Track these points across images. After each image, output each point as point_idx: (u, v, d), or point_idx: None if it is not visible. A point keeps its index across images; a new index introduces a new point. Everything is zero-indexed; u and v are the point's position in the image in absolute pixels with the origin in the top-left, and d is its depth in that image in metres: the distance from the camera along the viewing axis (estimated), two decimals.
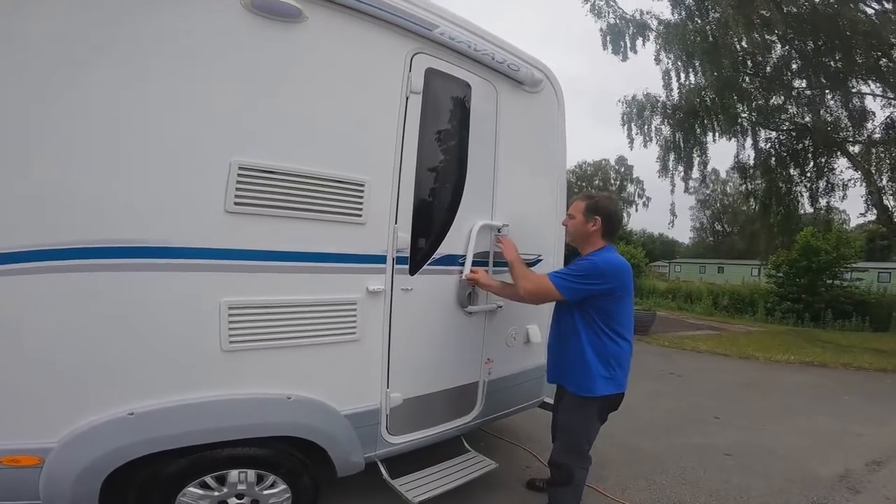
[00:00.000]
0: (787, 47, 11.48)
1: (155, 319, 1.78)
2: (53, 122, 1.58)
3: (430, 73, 2.37)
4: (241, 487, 2.04)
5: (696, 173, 14.26)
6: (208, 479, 1.99)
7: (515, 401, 2.88)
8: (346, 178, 2.11)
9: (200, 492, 1.98)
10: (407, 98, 2.28)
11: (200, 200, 1.80)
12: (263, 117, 1.92)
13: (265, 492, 2.11)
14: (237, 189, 1.84)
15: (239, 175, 1.84)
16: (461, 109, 2.57)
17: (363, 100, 2.17)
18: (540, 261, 2.93)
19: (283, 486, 2.14)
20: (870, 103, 11.64)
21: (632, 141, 14.43)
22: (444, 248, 2.50)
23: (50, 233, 1.59)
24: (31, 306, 1.61)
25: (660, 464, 3.45)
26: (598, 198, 2.34)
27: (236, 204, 1.85)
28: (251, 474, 2.05)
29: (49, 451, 1.68)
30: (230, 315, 1.89)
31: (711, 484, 3.17)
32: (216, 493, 2.01)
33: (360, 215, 2.16)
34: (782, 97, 12.29)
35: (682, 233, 58.60)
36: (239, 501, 2.07)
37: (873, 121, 11.66)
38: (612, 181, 53.95)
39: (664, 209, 19.09)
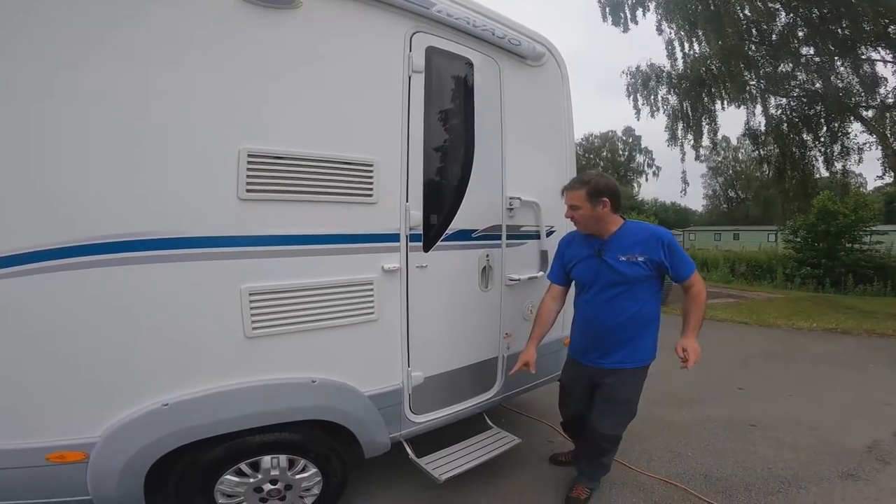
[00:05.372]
0: (791, 15, 11.24)
1: (179, 310, 1.81)
2: (67, 121, 1.60)
3: (431, 52, 2.36)
4: (274, 473, 2.09)
5: (706, 141, 14.20)
6: (243, 466, 2.03)
7: (536, 375, 2.85)
8: (354, 159, 2.12)
9: (237, 479, 2.03)
10: (409, 77, 2.27)
11: (213, 189, 1.82)
12: (267, 104, 1.92)
13: (297, 476, 2.15)
14: (248, 176, 1.86)
15: (249, 162, 1.86)
16: (465, 86, 2.56)
17: (365, 81, 2.17)
18: (554, 231, 2.94)
19: (313, 470, 2.19)
20: (881, 69, 11.38)
21: (638, 112, 14.52)
22: (457, 224, 2.51)
23: (70, 230, 1.61)
24: (63, 304, 1.64)
25: (684, 435, 3.43)
26: (593, 179, 2.24)
27: (248, 191, 1.87)
28: (283, 459, 2.09)
29: (93, 445, 1.73)
30: (251, 301, 1.91)
31: (738, 455, 3.14)
32: (251, 480, 2.06)
33: (371, 195, 2.18)
34: (790, 64, 12.06)
35: (695, 201, 58.38)
36: (273, 487, 2.11)
37: (885, 86, 11.43)
38: (621, 152, 53.78)
39: (675, 178, 19.10)
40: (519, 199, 2.74)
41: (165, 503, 2.00)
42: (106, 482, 1.76)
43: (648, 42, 14.29)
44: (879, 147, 11.95)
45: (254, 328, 1.93)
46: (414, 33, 2.29)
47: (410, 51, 2.27)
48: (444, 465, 2.47)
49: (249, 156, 1.86)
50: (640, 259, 2.22)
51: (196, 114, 1.78)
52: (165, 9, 1.72)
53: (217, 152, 1.82)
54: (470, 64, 2.55)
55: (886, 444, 3.33)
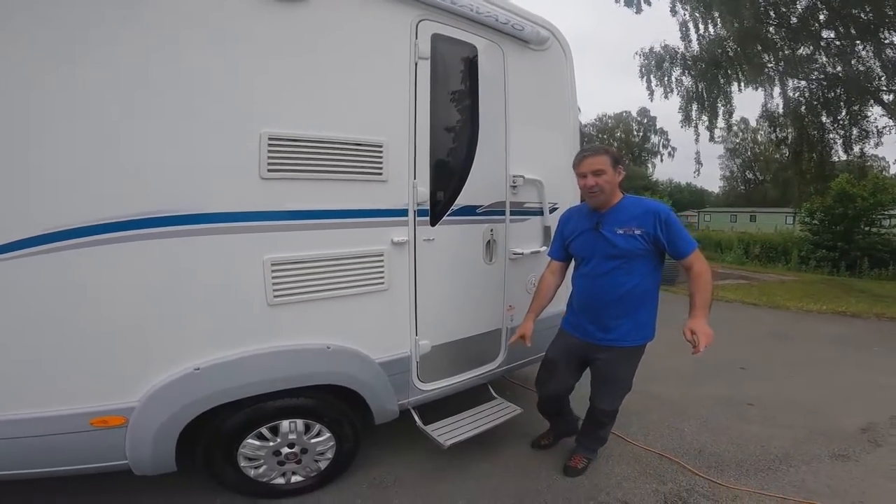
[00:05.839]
0: None
1: (210, 279, 1.94)
2: (113, 109, 1.73)
3: (436, 39, 2.44)
4: (291, 437, 2.24)
5: (720, 123, 13.99)
6: (264, 430, 2.18)
7: (538, 348, 2.87)
8: (365, 140, 2.23)
9: (258, 443, 2.19)
10: (416, 64, 2.36)
11: (238, 170, 1.95)
12: (285, 91, 2.03)
13: (312, 440, 2.31)
14: (269, 157, 1.99)
15: (269, 145, 1.99)
16: (469, 71, 2.64)
17: (374, 68, 2.26)
18: (557, 208, 3.03)
19: (327, 435, 2.34)
20: None
21: (652, 93, 14.41)
22: (462, 200, 2.63)
23: (116, 206, 1.75)
24: (107, 275, 1.77)
25: (682, 412, 3.51)
26: (610, 148, 2.36)
27: (269, 170, 2.00)
28: (299, 424, 2.24)
29: (132, 410, 1.86)
30: (273, 271, 2.05)
31: (732, 432, 3.22)
32: (271, 444, 2.22)
33: (381, 173, 2.30)
34: (811, 47, 11.76)
35: (712, 182, 57.71)
36: (290, 450, 2.27)
37: None
38: (635, 132, 53.16)
39: (691, 158, 18.90)
40: (522, 177, 2.84)
41: (192, 469, 2.16)
42: (142, 445, 1.90)
43: (664, 22, 14.09)
44: (893, 131, 11.73)
45: (275, 296, 2.07)
46: (420, 21, 2.37)
47: (416, 38, 2.35)
48: (449, 431, 2.59)
49: (270, 139, 1.99)
50: (638, 232, 2.21)
51: (220, 102, 1.90)
52: (192, 7, 1.83)
53: (241, 137, 1.94)
54: (474, 49, 2.62)
55: (881, 426, 3.37)
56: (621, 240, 2.24)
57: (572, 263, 2.59)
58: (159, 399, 1.89)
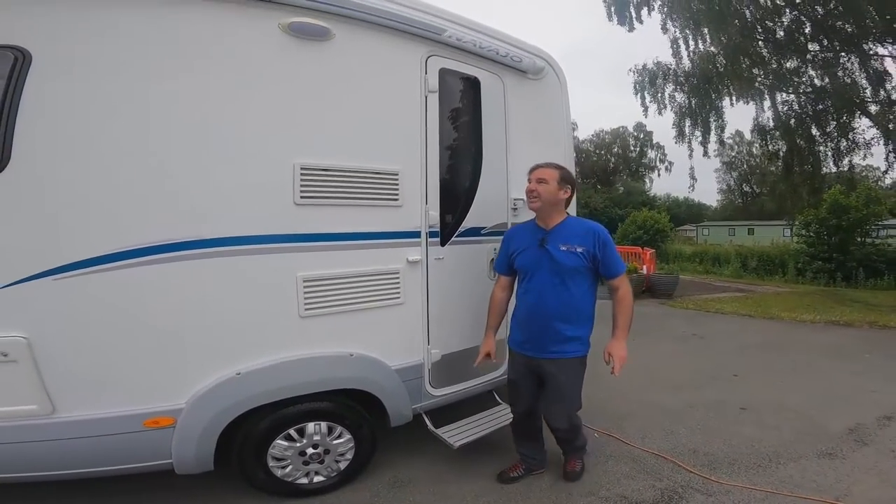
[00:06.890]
0: (795, 12, 11.26)
1: (251, 293, 2.18)
2: (181, 144, 2.00)
3: (444, 73, 2.69)
4: (315, 438, 2.42)
5: (713, 138, 14.21)
6: (291, 432, 2.37)
7: None
8: (383, 170, 2.49)
9: (286, 443, 2.37)
10: (426, 97, 2.62)
11: (275, 197, 2.20)
12: (314, 125, 2.29)
13: (334, 441, 2.49)
14: (301, 185, 2.24)
15: (301, 174, 2.24)
16: (473, 102, 2.88)
17: (390, 102, 2.52)
18: None
19: (347, 437, 2.52)
20: (889, 65, 11.25)
21: (646, 109, 14.65)
22: (468, 222, 2.88)
23: (169, 230, 1.98)
24: (167, 289, 1.98)
25: (677, 417, 3.66)
26: (564, 168, 2.49)
27: (302, 197, 2.25)
28: (323, 426, 2.43)
29: (180, 411, 2.04)
30: (304, 286, 2.29)
31: (724, 434, 3.36)
32: (298, 444, 2.39)
33: (397, 199, 2.54)
34: (797, 60, 12.04)
35: (710, 196, 57.47)
36: (314, 451, 2.44)
37: (890, 82, 11.29)
38: (632, 148, 53.33)
39: (688, 173, 18.99)
40: (522, 199, 3.01)
41: (227, 468, 2.33)
42: (188, 445, 2.07)
43: (657, 39, 14.40)
44: (881, 142, 11.97)
45: (306, 309, 2.30)
46: (429, 57, 2.62)
47: (426, 73, 2.61)
48: (458, 433, 2.80)
49: (302, 169, 2.24)
50: (579, 250, 2.34)
51: (261, 135, 2.16)
52: (225, 44, 2.08)
53: (278, 168, 2.20)
54: (477, 82, 2.87)
55: (868, 427, 3.49)
56: (564, 256, 2.36)
57: None
58: (205, 401, 2.09)
